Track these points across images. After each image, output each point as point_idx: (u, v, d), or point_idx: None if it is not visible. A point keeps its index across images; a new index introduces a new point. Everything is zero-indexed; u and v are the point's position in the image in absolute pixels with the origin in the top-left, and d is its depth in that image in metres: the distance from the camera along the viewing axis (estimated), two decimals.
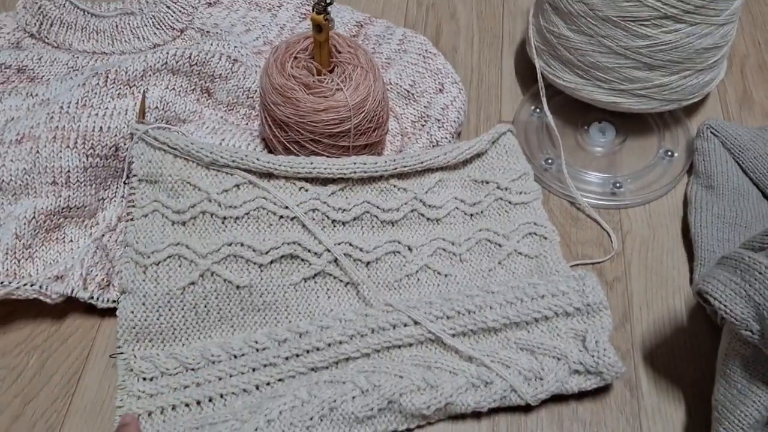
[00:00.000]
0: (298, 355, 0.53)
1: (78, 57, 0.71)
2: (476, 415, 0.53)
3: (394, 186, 0.60)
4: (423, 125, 0.67)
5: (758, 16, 0.82)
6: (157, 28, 0.74)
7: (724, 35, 0.63)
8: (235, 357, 0.53)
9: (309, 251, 0.56)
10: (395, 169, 0.60)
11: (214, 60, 0.66)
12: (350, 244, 0.57)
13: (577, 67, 0.65)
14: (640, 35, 0.60)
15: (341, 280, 0.57)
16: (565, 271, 0.58)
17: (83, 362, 0.56)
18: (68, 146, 0.59)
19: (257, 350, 0.53)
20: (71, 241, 0.60)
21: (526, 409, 0.53)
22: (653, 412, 0.53)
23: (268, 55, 0.61)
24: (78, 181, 0.59)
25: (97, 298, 0.57)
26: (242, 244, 0.55)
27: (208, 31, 0.74)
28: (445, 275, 0.59)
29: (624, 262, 0.62)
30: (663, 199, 0.66)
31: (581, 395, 0.53)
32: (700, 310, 0.58)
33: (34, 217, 0.57)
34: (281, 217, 0.56)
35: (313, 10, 0.55)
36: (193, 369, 0.53)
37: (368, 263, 0.58)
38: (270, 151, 0.64)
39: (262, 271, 0.55)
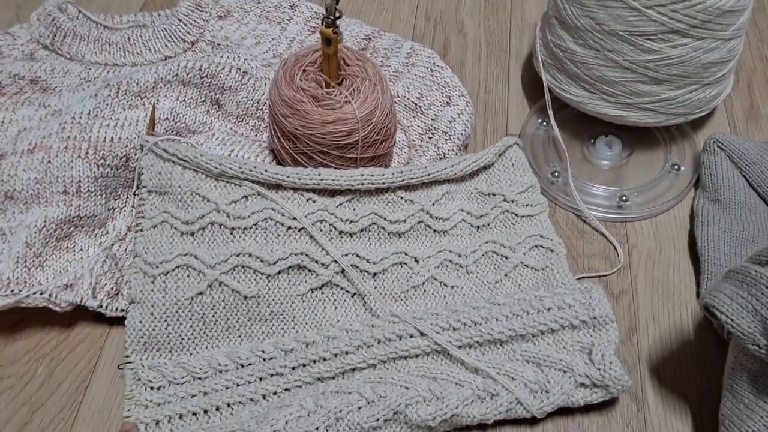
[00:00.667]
0: (304, 365, 0.53)
1: (90, 68, 0.72)
2: (482, 427, 0.53)
3: (401, 198, 0.61)
4: (430, 138, 0.68)
5: (765, 30, 0.82)
6: (169, 41, 0.75)
7: (730, 50, 0.63)
8: (242, 366, 0.54)
9: (316, 262, 0.56)
10: (402, 180, 0.60)
11: (224, 72, 0.67)
12: (357, 255, 0.58)
13: (583, 80, 0.65)
14: (647, 50, 0.61)
15: (348, 291, 0.57)
16: (571, 283, 0.58)
17: (91, 371, 0.56)
18: (79, 156, 0.59)
19: (264, 360, 0.54)
20: (81, 250, 0.60)
21: (532, 421, 0.53)
22: (660, 426, 0.53)
23: (277, 67, 0.62)
24: (89, 190, 0.60)
25: (106, 307, 0.57)
26: (250, 255, 0.55)
27: (218, 44, 0.75)
28: (452, 287, 0.59)
29: (630, 275, 0.62)
30: (669, 212, 0.66)
31: (587, 408, 0.53)
32: (706, 324, 0.58)
33: (44, 226, 0.58)
34: (289, 228, 0.57)
35: (322, 24, 0.56)
36: (200, 378, 0.53)
37: (375, 274, 0.58)
38: (279, 163, 0.64)
39: (269, 281, 0.56)
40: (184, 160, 0.58)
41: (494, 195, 0.63)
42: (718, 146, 0.65)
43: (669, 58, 0.61)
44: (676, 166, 0.68)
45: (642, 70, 0.62)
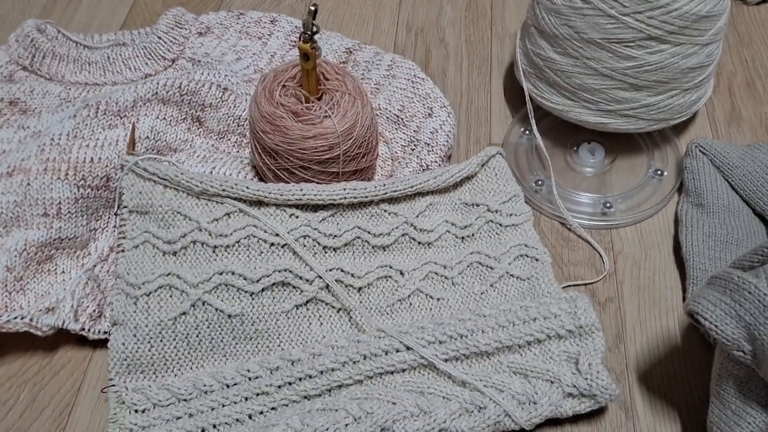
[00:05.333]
0: (290, 383, 0.53)
1: (70, 88, 0.72)
2: None
3: (385, 211, 0.60)
4: (413, 149, 0.67)
5: (744, 33, 0.83)
6: (149, 59, 0.74)
7: (709, 54, 0.64)
8: (228, 386, 0.53)
9: (300, 278, 0.56)
10: (385, 193, 0.60)
11: (204, 89, 0.67)
12: (341, 270, 0.57)
13: (564, 89, 0.66)
14: (625, 56, 0.61)
15: (333, 307, 0.57)
16: (557, 292, 0.58)
17: (75, 395, 0.56)
18: (59, 178, 0.59)
19: (250, 379, 0.53)
20: (63, 272, 0.60)
21: None
22: None
23: (257, 83, 0.61)
24: (69, 212, 0.59)
25: (89, 330, 0.56)
26: (233, 273, 0.55)
27: (199, 61, 0.75)
28: (438, 299, 0.59)
29: (616, 282, 0.62)
30: (654, 218, 0.66)
31: (576, 418, 0.53)
32: (693, 330, 0.58)
33: (25, 249, 0.57)
34: (272, 244, 0.56)
35: (299, 39, 0.56)
36: (185, 400, 0.52)
37: (360, 289, 0.58)
38: (261, 179, 0.64)
39: (253, 299, 0.55)
40: (164, 179, 0.58)
41: (478, 205, 0.63)
42: (700, 150, 0.66)
43: (648, 64, 0.61)
44: (659, 172, 0.68)
45: (622, 77, 0.62)
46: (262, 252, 0.56)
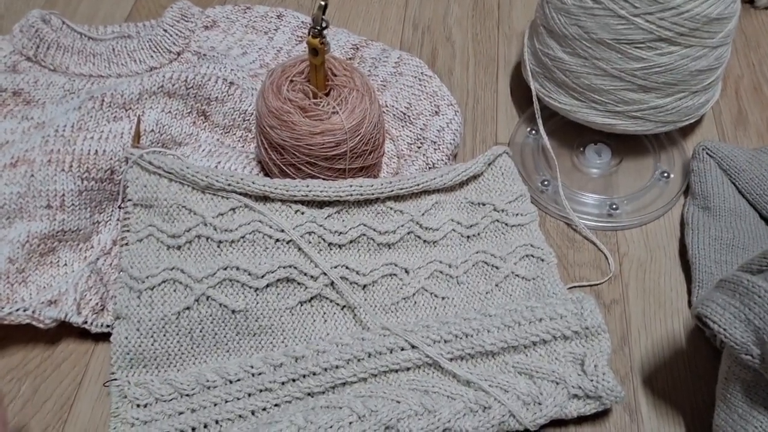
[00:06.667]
0: (294, 380, 0.52)
1: (74, 80, 0.71)
2: None
3: (391, 208, 0.60)
4: (419, 147, 0.67)
5: (752, 37, 0.82)
6: (154, 51, 0.74)
7: (718, 57, 0.63)
8: (231, 382, 0.53)
9: (305, 275, 0.56)
10: (391, 191, 0.59)
11: (210, 83, 0.66)
12: (347, 267, 0.57)
13: (572, 89, 0.65)
14: (635, 57, 0.61)
15: (338, 304, 0.57)
16: (562, 293, 0.58)
17: (76, 388, 0.55)
18: (63, 170, 0.58)
19: (253, 375, 0.53)
20: (65, 264, 0.59)
21: None
22: None
23: (264, 78, 0.61)
24: (73, 204, 0.59)
25: (91, 323, 0.56)
26: (238, 268, 0.54)
27: (204, 54, 0.75)
28: (443, 298, 0.58)
29: (622, 284, 0.61)
30: (660, 220, 0.66)
31: (581, 420, 0.53)
32: (699, 333, 0.58)
33: (27, 241, 0.57)
34: (277, 240, 0.56)
35: (308, 34, 0.55)
36: (188, 395, 0.52)
37: (365, 286, 0.57)
38: (266, 174, 0.63)
39: (257, 295, 0.55)
40: (170, 173, 0.57)
41: (484, 204, 0.63)
42: (707, 153, 0.65)
43: (657, 66, 0.61)
44: (665, 174, 0.68)
45: (630, 78, 0.62)
46: (267, 248, 0.56)
